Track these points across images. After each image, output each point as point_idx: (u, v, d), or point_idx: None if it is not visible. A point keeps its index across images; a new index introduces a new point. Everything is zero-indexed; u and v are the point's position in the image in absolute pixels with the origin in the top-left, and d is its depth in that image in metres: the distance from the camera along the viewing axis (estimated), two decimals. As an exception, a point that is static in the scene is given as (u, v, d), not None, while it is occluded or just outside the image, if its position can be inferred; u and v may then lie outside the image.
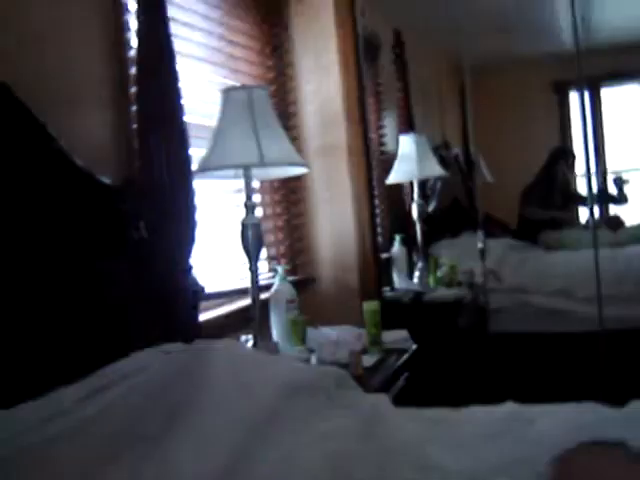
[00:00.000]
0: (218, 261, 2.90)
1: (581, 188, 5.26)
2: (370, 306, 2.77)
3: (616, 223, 5.12)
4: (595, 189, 4.90)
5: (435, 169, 4.31)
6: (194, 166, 2.33)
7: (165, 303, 2.14)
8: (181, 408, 1.52)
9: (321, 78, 3.60)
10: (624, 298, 4.31)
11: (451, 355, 3.57)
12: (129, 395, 1.57)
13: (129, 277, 2.07)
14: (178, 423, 1.47)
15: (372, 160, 3.94)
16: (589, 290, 4.16)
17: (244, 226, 2.45)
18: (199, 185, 2.37)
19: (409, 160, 4.18)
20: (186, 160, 2.25)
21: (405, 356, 2.75)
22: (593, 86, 5.00)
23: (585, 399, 1.77)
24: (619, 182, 5.24)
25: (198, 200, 2.27)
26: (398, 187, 4.50)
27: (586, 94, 4.51)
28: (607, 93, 5.34)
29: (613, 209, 5.41)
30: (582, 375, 3.93)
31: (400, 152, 4.25)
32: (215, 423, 1.49)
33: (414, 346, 2.87)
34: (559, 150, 5.23)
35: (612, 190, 5.33)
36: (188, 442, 1.40)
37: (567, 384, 2.89)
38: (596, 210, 4.55)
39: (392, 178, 4.22)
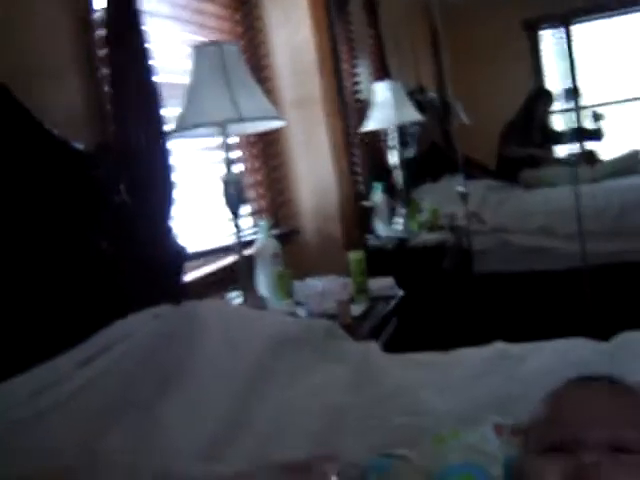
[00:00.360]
0: (201, 220, 2.89)
1: (558, 125, 5.27)
2: (355, 255, 2.79)
3: (593, 159, 5.14)
4: (573, 125, 4.92)
5: (412, 114, 4.29)
6: (170, 126, 2.31)
7: (149, 265, 2.13)
8: (172, 371, 1.53)
9: (291, 29, 3.56)
10: (605, 233, 4.35)
11: (437, 299, 3.60)
12: (120, 362, 1.57)
13: (112, 242, 2.06)
14: (170, 387, 1.48)
15: (347, 109, 3.92)
16: (570, 227, 4.19)
17: (225, 183, 2.44)
18: (176, 144, 2.36)
19: (385, 107, 4.16)
20: (160, 121, 2.23)
21: (392, 303, 2.78)
22: (564, 23, 4.98)
23: (572, 335, 1.80)
24: (595, 117, 5.25)
25: (176, 160, 2.26)
26: (375, 135, 4.48)
27: (558, 31, 4.50)
28: (578, 30, 5.32)
29: (589, 145, 5.43)
30: (568, 311, 3.98)
31: (375, 99, 4.22)
32: (206, 384, 1.51)
33: (401, 292, 2.89)
34: (537, 90, 5.22)
35: (589, 126, 5.34)
36: (181, 406, 1.42)
37: (553, 321, 2.92)
38: (574, 146, 4.56)
39: (368, 125, 4.20)
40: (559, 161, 5.18)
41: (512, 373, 1.56)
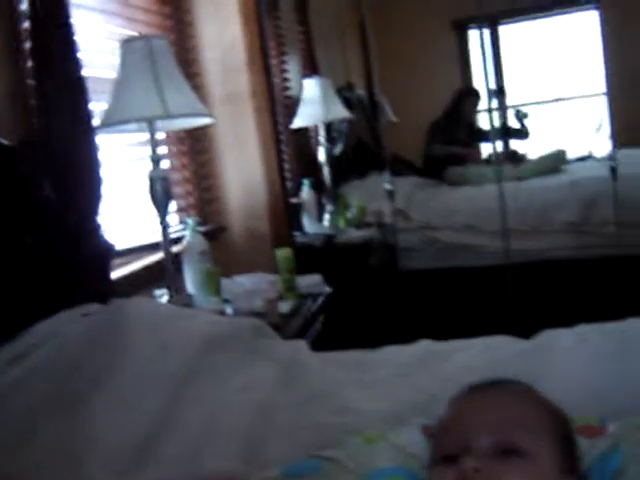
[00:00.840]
0: (127, 216, 2.86)
1: (484, 124, 5.37)
2: (283, 253, 2.79)
3: (517, 157, 5.26)
4: (498, 124, 5.02)
5: (340, 111, 4.32)
6: (96, 121, 2.27)
7: (76, 262, 2.10)
8: (102, 371, 1.51)
9: (221, 24, 3.54)
10: (528, 231, 4.46)
11: (364, 296, 3.64)
12: (48, 361, 1.55)
13: (37, 238, 2.03)
14: (99, 387, 1.46)
15: (277, 105, 3.92)
16: (494, 224, 4.28)
17: (151, 179, 2.42)
18: (102, 140, 2.32)
19: (314, 103, 4.18)
20: (87, 115, 2.19)
21: (320, 300, 2.79)
22: (492, 24, 5.08)
23: (496, 332, 1.84)
24: (520, 116, 5.37)
25: (102, 155, 2.23)
26: (304, 131, 4.50)
27: (485, 32, 4.58)
28: (505, 30, 5.44)
29: (514, 144, 5.55)
30: (492, 308, 4.07)
31: (304, 96, 4.23)
32: (135, 384, 1.49)
33: (328, 290, 2.91)
34: (464, 89, 5.31)
35: (514, 125, 5.46)
36: (110, 406, 1.40)
37: (478, 317, 3.00)
38: (499, 145, 4.65)
39: (297, 122, 4.21)
40: (484, 160, 5.28)
41: (437, 371, 1.59)
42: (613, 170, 4.12)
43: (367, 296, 3.65)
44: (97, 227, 2.20)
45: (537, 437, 0.90)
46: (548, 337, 1.75)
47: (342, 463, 0.99)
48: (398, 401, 1.41)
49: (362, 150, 5.16)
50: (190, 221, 2.83)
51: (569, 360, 1.56)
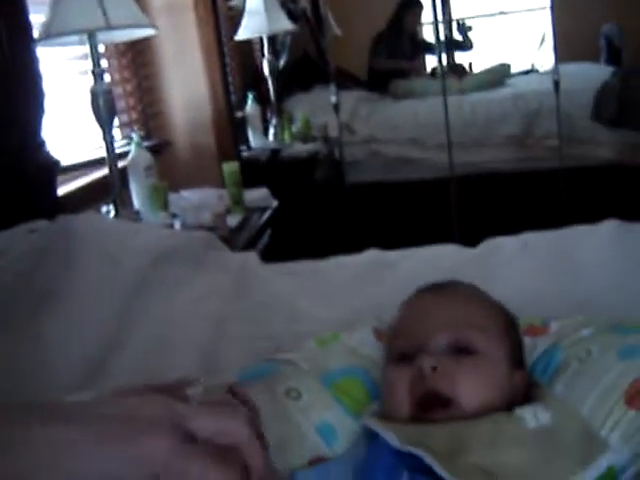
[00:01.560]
0: (71, 132, 2.81)
1: (428, 36, 5.35)
2: (230, 166, 2.79)
3: (461, 71, 5.26)
4: (442, 37, 5.00)
5: (284, 23, 4.25)
6: (36, 33, 2.21)
7: (21, 179, 2.07)
8: (51, 287, 1.50)
9: None
10: (471, 144, 4.51)
11: (311, 209, 3.66)
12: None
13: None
14: (49, 303, 1.45)
15: (220, 17, 3.84)
16: (438, 138, 4.31)
17: (94, 94, 2.37)
18: (43, 53, 2.26)
19: (257, 15, 4.11)
20: (27, 27, 2.13)
21: (267, 214, 2.81)
22: None
23: (441, 241, 1.88)
24: (463, 28, 5.36)
25: (43, 69, 2.18)
26: (248, 43, 4.43)
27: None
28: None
29: (458, 57, 5.55)
30: (437, 219, 4.13)
31: (248, 7, 4.15)
32: (86, 299, 1.49)
33: (275, 203, 2.92)
34: (407, 0, 5.26)
35: (457, 37, 5.44)
36: (60, 322, 1.40)
37: (423, 228, 3.05)
38: (443, 58, 4.64)
39: (241, 34, 4.14)
40: (428, 73, 5.28)
41: (386, 279, 1.62)
42: (556, 84, 4.16)
43: (314, 210, 3.68)
44: (41, 143, 2.17)
45: (489, 335, 0.93)
46: (492, 245, 1.79)
47: (298, 365, 1.02)
48: (348, 308, 1.44)
49: (307, 63, 5.11)
50: (134, 136, 2.79)
51: (512, 266, 1.61)
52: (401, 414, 0.89)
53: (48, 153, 2.19)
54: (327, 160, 4.18)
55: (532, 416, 0.85)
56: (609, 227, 1.82)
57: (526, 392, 0.94)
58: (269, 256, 2.17)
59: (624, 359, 0.93)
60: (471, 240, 1.89)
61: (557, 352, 1.01)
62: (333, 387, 0.99)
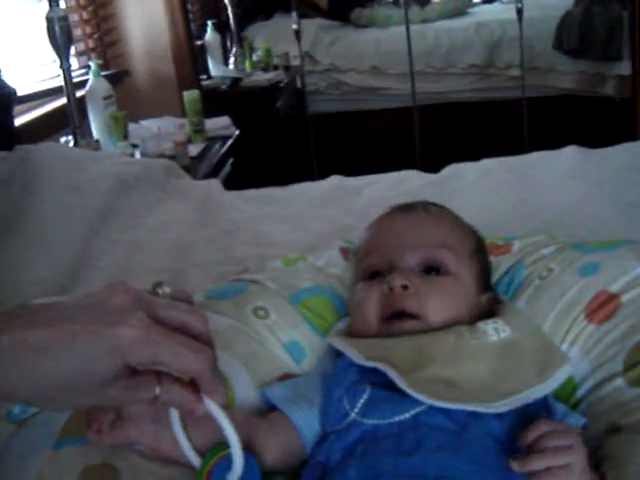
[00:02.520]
0: (26, 60, 2.74)
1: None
2: (190, 95, 2.75)
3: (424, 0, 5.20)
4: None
5: (243, -51, 4.16)
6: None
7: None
8: (13, 216, 1.49)
9: None
10: (433, 73, 4.49)
11: (272, 138, 3.63)
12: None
13: None
14: (11, 231, 1.44)
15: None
16: (400, 66, 4.28)
17: (49, 21, 2.31)
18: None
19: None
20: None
21: (229, 142, 2.79)
22: None
23: (404, 169, 1.89)
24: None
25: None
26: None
27: None
28: None
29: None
30: (400, 149, 4.12)
31: None
32: (48, 227, 1.48)
33: (236, 132, 2.90)
34: None
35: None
36: (27, 247, 1.40)
37: (386, 158, 3.03)
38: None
39: (199, -40, 4.04)
40: (390, 1, 5.21)
41: (349, 205, 1.63)
42: (519, 12, 4.13)
43: (275, 139, 3.66)
44: (-3, 71, 2.12)
45: (459, 256, 0.94)
46: (454, 170, 1.81)
47: (265, 284, 1.02)
48: (312, 233, 1.45)
49: (267, -10, 5.02)
50: (92, 64, 2.73)
51: (474, 190, 1.62)
52: (368, 330, 0.90)
53: (4, 82, 2.14)
54: (288, 89, 4.14)
55: (493, 330, 0.87)
56: (569, 152, 1.85)
57: (490, 309, 0.96)
58: (231, 185, 2.16)
59: (584, 276, 0.95)
60: (434, 169, 1.89)
61: (519, 270, 1.03)
62: (300, 306, 0.99)
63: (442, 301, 0.89)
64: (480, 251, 1.00)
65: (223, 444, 0.69)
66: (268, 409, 0.85)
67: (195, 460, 0.72)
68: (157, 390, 0.61)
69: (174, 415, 0.69)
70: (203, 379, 0.62)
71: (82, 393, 0.59)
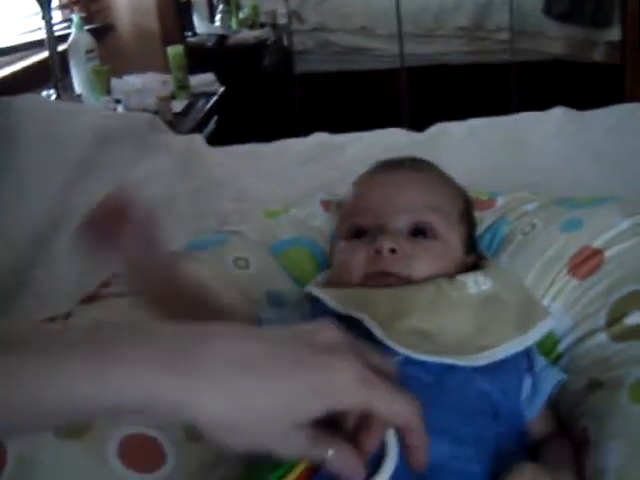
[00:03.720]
0: (8, 12, 2.69)
1: None
2: (174, 50, 2.72)
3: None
4: None
5: None
6: None
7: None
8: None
9: None
10: (422, 34, 4.45)
11: (258, 97, 3.60)
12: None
13: None
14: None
15: None
16: (389, 27, 4.23)
17: (31, -30, 2.27)
18: None
19: None
20: None
21: (213, 99, 2.76)
22: None
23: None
24: None
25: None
26: None
27: None
28: None
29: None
30: (386, 111, 4.07)
31: None
32: (28, 178, 1.47)
33: (221, 89, 2.87)
34: None
35: None
36: (9, 195, 1.38)
37: (372, 119, 3.01)
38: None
39: None
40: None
41: (333, 161, 1.61)
42: (509, -26, 4.09)
43: (261, 98, 3.62)
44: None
45: (449, 220, 0.92)
46: (440, 129, 1.79)
47: (246, 236, 1.01)
48: (295, 188, 1.43)
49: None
50: (75, 18, 2.68)
51: (460, 149, 1.61)
52: (348, 285, 0.88)
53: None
54: (275, 48, 4.09)
55: (473, 282, 0.86)
56: (556, 113, 1.84)
57: (473, 265, 0.95)
58: (215, 143, 2.14)
59: (568, 231, 0.95)
60: (420, 131, 1.88)
61: (502, 226, 1.03)
62: (281, 257, 0.99)
63: (429, 265, 0.88)
64: (468, 213, 0.99)
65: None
66: None
67: None
68: (330, 452, 0.53)
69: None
70: (413, 428, 0.55)
71: (269, 432, 0.52)
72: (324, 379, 0.51)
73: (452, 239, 0.92)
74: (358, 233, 0.92)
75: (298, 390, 0.50)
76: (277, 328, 0.55)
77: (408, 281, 0.86)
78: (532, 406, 0.80)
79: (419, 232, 0.90)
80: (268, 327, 0.54)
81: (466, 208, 0.98)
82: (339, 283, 0.91)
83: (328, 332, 0.54)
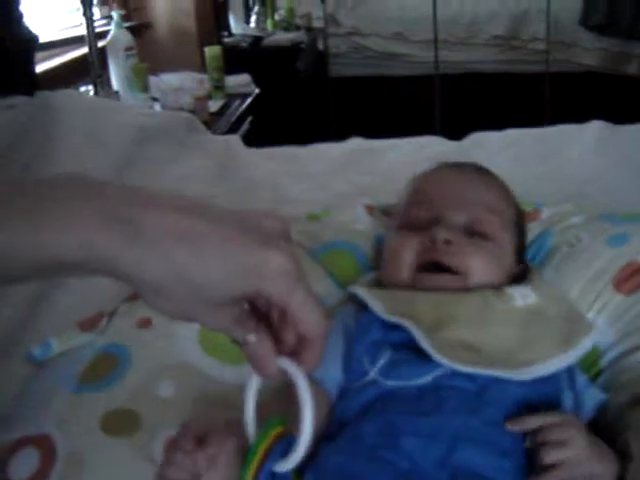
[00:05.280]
0: (49, 7, 2.72)
1: None
2: (212, 50, 2.73)
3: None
4: None
5: None
6: None
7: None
8: (34, 159, 1.48)
9: None
10: (457, 42, 4.43)
11: (293, 99, 3.61)
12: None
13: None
14: (32, 174, 1.43)
15: None
16: (424, 33, 4.22)
17: (73, -33, 2.28)
18: None
19: None
20: None
21: (249, 100, 2.77)
22: None
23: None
24: None
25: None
26: None
27: None
28: None
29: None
30: (420, 117, 4.06)
31: None
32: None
33: (257, 90, 2.88)
34: None
35: None
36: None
37: (405, 125, 3.00)
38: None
39: None
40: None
41: (370, 167, 1.61)
42: (546, -16, 4.07)
43: (295, 100, 3.63)
44: (20, 16, 2.09)
45: (504, 224, 0.92)
46: (478, 138, 1.79)
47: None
48: (333, 193, 1.43)
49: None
50: (114, 15, 2.71)
51: (497, 159, 1.60)
52: (399, 278, 0.88)
53: (27, 27, 2.12)
54: (310, 50, 4.10)
55: (520, 295, 0.86)
56: (594, 127, 1.83)
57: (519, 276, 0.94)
58: (249, 143, 2.14)
59: (613, 246, 0.94)
60: (453, 139, 1.87)
61: (548, 237, 1.02)
62: (323, 259, 0.98)
63: (483, 263, 0.88)
64: (521, 223, 0.99)
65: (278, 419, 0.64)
66: None
67: (252, 431, 0.63)
68: (253, 337, 0.56)
69: (254, 381, 0.61)
70: (314, 344, 0.56)
71: (198, 302, 0.53)
72: (256, 262, 0.51)
73: (505, 244, 0.91)
74: (413, 225, 0.92)
75: (229, 268, 0.51)
76: (224, 208, 0.55)
77: (461, 280, 0.86)
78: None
79: (474, 233, 0.90)
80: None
81: (520, 218, 0.98)
82: (389, 277, 0.90)
83: (272, 221, 0.55)
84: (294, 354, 0.57)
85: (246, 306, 0.57)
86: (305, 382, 0.57)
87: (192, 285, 0.51)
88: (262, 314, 0.57)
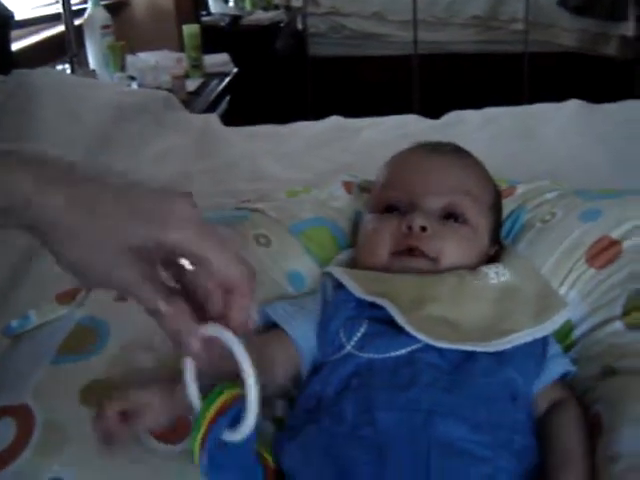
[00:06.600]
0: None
1: None
2: (190, 29, 2.72)
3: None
4: None
5: None
6: None
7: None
8: (13, 139, 1.47)
9: None
10: (435, 22, 4.43)
11: (272, 79, 3.60)
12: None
13: None
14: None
15: None
16: (403, 14, 4.21)
17: (50, -57, 2.26)
18: None
19: None
20: None
21: (227, 79, 2.76)
22: None
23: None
24: None
25: None
26: None
27: None
28: None
29: None
30: (398, 97, 4.06)
31: None
32: (50, 151, 1.47)
33: (235, 69, 2.87)
34: None
35: None
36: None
37: (384, 104, 2.99)
38: None
39: None
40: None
41: (349, 145, 1.62)
42: (525, -36, 4.07)
43: (274, 79, 3.62)
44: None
45: (481, 207, 0.93)
46: (456, 117, 1.80)
47: (266, 213, 1.01)
48: (311, 170, 1.44)
49: None
50: (91, -7, 2.68)
51: (475, 137, 1.61)
52: (375, 261, 0.89)
53: (2, 4, 2.09)
54: (288, 30, 4.08)
55: (494, 273, 0.87)
56: (572, 106, 1.85)
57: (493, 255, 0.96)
58: (227, 123, 2.14)
59: (586, 221, 0.95)
60: (433, 116, 1.87)
61: (522, 213, 1.03)
62: (302, 236, 0.99)
63: (457, 249, 0.89)
64: (498, 205, 0.99)
65: (230, 385, 0.61)
66: (265, 326, 0.84)
67: (197, 405, 0.61)
68: (164, 305, 0.55)
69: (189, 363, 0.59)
70: (240, 293, 0.55)
71: (105, 250, 0.53)
72: (161, 206, 0.53)
73: (481, 227, 0.92)
74: (389, 208, 0.92)
75: (134, 209, 0.53)
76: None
77: (434, 265, 0.87)
78: (537, 382, 0.81)
79: (450, 216, 0.90)
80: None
81: (497, 199, 0.99)
82: (364, 260, 0.91)
83: (172, 193, 0.55)
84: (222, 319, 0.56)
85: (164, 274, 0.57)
86: (241, 348, 0.55)
87: (97, 229, 0.52)
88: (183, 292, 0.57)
